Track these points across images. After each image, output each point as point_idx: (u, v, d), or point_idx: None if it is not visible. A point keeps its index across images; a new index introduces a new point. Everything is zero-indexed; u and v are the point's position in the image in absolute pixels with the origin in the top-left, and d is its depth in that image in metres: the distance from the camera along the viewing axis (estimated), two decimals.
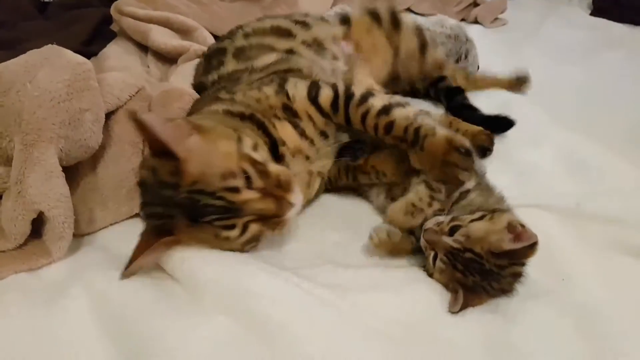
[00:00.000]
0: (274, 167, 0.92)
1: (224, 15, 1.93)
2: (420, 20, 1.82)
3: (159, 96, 1.17)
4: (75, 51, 1.08)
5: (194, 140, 0.86)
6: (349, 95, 1.06)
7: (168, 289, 0.90)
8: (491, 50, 2.11)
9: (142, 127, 0.83)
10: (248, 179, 0.87)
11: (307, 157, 1.07)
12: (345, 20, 1.56)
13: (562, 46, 2.37)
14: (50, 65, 1.00)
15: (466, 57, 1.75)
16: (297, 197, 0.92)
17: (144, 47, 1.72)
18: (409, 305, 0.89)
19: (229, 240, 0.88)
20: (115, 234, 1.05)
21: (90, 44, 1.71)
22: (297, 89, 1.07)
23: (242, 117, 1.02)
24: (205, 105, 1.09)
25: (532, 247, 0.86)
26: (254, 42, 1.33)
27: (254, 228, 0.89)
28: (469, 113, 1.50)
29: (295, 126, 1.06)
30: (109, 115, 1.11)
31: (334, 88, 1.07)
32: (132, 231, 1.03)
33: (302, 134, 1.06)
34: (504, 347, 0.85)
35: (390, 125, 1.02)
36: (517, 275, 0.91)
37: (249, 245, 0.91)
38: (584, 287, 0.98)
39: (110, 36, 1.80)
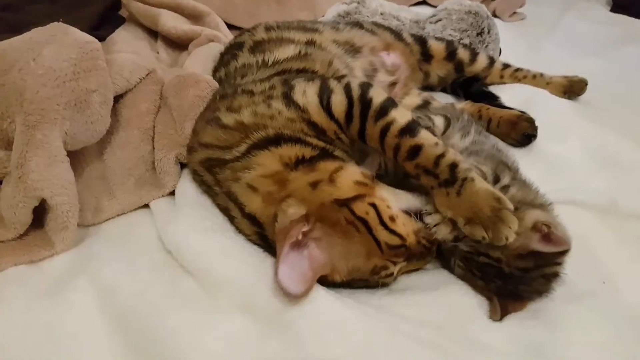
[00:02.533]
0: (411, 238, 0.83)
1: (237, 2, 1.86)
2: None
3: (173, 82, 1.10)
4: None
5: (326, 243, 0.79)
6: (365, 102, 0.90)
7: (181, 283, 0.83)
8: (510, 45, 2.03)
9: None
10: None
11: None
12: (393, 32, 1.52)
13: (583, 41, 2.29)
14: (57, 42, 0.94)
15: (489, 32, 1.67)
16: (437, 243, 0.85)
17: (153, 33, 1.66)
18: (440, 308, 0.82)
19: None
20: (122, 225, 0.99)
21: (98, 29, 1.64)
22: (307, 97, 0.93)
23: (265, 144, 0.88)
24: (206, 131, 0.96)
25: (562, 253, 0.79)
26: (274, 35, 1.25)
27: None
28: (488, 102, 1.43)
29: (331, 155, 0.89)
30: (117, 98, 1.04)
31: (347, 92, 0.92)
32: (140, 222, 0.99)
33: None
34: (545, 353, 0.78)
35: (415, 151, 0.85)
36: (552, 276, 0.83)
37: None
38: (627, 289, 0.91)
39: (119, 22, 1.74)
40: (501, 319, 0.81)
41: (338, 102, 0.91)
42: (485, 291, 0.85)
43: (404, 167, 0.88)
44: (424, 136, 0.87)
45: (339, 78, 1.04)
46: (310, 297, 0.75)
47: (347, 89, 0.93)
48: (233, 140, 0.91)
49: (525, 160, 1.23)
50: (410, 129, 0.87)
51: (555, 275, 0.84)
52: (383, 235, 0.81)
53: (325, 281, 0.80)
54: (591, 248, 0.98)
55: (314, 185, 0.82)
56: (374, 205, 0.82)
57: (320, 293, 0.77)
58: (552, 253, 0.80)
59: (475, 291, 0.86)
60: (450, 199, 0.82)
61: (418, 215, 0.86)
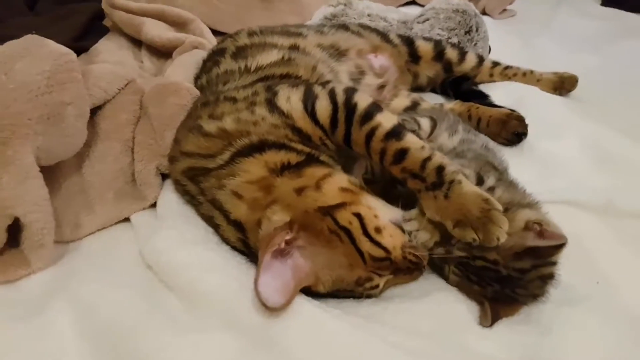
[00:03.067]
0: (397, 252, 0.80)
1: (223, 8, 1.84)
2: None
3: (152, 90, 1.07)
4: (67, 47, 0.99)
5: (310, 252, 0.76)
6: (350, 107, 0.88)
7: (162, 300, 0.80)
8: (502, 42, 2.01)
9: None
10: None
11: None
12: (380, 34, 1.50)
13: (576, 36, 2.28)
14: (30, 55, 0.91)
15: (477, 30, 1.65)
16: (427, 258, 0.82)
17: (137, 42, 1.63)
18: (431, 316, 0.79)
19: None
20: (103, 240, 0.96)
21: (82, 39, 1.62)
22: (291, 103, 0.91)
23: (249, 151, 0.85)
24: (187, 140, 0.93)
25: (559, 247, 0.77)
26: (257, 40, 1.23)
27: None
28: (478, 101, 1.40)
29: (318, 160, 0.87)
30: (95, 110, 1.02)
31: (332, 97, 0.90)
32: (121, 237, 0.96)
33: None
34: (541, 359, 0.75)
35: (401, 154, 0.83)
36: (548, 277, 0.80)
37: None
38: (626, 289, 0.88)
39: (103, 32, 1.71)
40: (492, 324, 0.78)
41: (323, 107, 0.89)
42: (477, 296, 0.82)
43: (391, 172, 0.86)
44: (409, 140, 0.85)
45: (324, 84, 1.02)
46: (294, 310, 0.72)
47: (332, 94, 0.91)
48: (216, 149, 0.88)
49: (517, 160, 1.21)
50: (395, 132, 0.85)
51: (551, 276, 0.81)
52: (367, 246, 0.78)
53: (310, 291, 0.78)
54: (587, 248, 0.95)
55: (300, 191, 0.79)
56: (358, 215, 0.79)
57: (305, 305, 0.74)
58: (549, 249, 0.77)
59: (467, 297, 0.84)
60: (438, 202, 0.80)
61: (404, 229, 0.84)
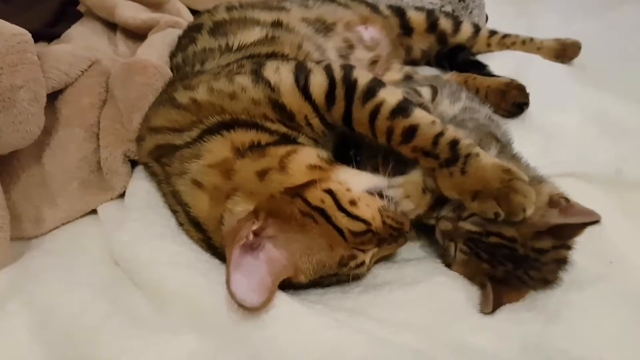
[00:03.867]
0: (377, 222, 0.73)
1: None
2: None
3: (118, 70, 0.99)
4: (37, 33, 0.92)
5: (284, 241, 0.68)
6: (350, 83, 0.80)
7: (127, 299, 0.73)
8: (496, 12, 1.91)
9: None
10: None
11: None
12: (368, 5, 1.40)
13: (573, 3, 2.18)
14: None
15: None
16: (408, 222, 0.76)
17: (113, 27, 1.54)
18: (424, 305, 0.71)
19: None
20: (68, 235, 0.88)
21: (54, 25, 1.54)
22: (281, 75, 0.82)
23: (218, 128, 0.78)
24: (157, 113, 0.87)
25: (588, 225, 0.69)
26: (236, 15, 1.14)
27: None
28: (476, 72, 1.32)
29: (293, 142, 0.80)
30: (55, 94, 0.94)
31: (329, 72, 0.82)
32: (88, 231, 0.89)
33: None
34: (546, 351, 0.67)
35: (411, 132, 0.76)
36: (562, 262, 0.73)
37: None
38: (636, 270, 0.80)
39: (77, 17, 1.62)
40: (493, 310, 0.70)
41: (317, 82, 0.81)
42: (481, 277, 0.74)
43: (400, 152, 0.78)
44: (418, 115, 0.77)
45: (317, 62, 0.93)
46: (270, 306, 0.65)
47: (328, 70, 0.83)
48: (184, 122, 0.81)
49: (520, 132, 1.15)
50: (402, 108, 0.77)
51: (565, 261, 0.74)
52: (344, 222, 0.70)
53: (291, 283, 0.70)
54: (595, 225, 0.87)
55: (262, 174, 0.72)
56: (330, 192, 0.71)
57: (282, 299, 0.66)
58: (574, 228, 0.71)
59: (469, 279, 0.76)
60: (454, 179, 0.73)
61: (384, 195, 0.76)
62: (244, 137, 0.76)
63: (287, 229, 0.68)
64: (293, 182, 0.71)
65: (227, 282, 0.62)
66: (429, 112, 0.82)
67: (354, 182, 0.75)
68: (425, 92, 1.01)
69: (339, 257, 0.70)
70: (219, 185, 0.72)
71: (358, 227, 0.71)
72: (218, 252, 0.74)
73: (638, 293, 0.76)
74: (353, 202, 0.72)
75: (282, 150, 0.75)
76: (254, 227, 0.65)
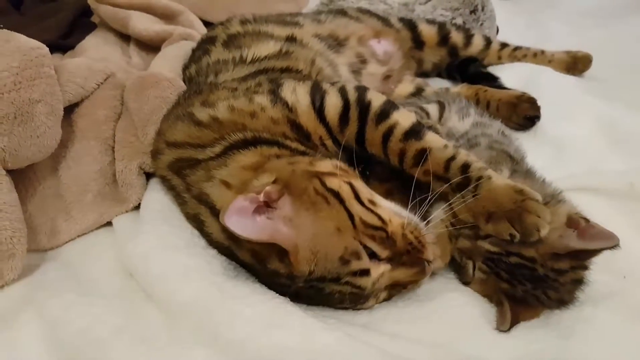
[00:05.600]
0: (394, 226, 0.70)
1: None
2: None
3: (132, 83, 1.00)
4: (52, 44, 0.93)
5: (292, 215, 0.67)
6: (364, 105, 0.82)
7: (140, 312, 0.73)
8: (508, 23, 1.92)
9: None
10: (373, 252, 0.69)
11: None
12: (380, 18, 1.41)
13: (585, 13, 2.19)
14: None
15: (483, 9, 1.56)
16: (432, 251, 0.72)
17: (126, 38, 1.56)
18: (438, 321, 0.71)
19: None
20: (83, 247, 0.89)
21: (69, 37, 1.56)
22: (298, 96, 0.84)
23: (242, 145, 0.78)
24: (176, 128, 0.86)
25: (609, 249, 0.69)
26: (250, 29, 1.15)
27: (384, 295, 0.73)
28: (487, 84, 1.32)
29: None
30: (72, 107, 0.95)
31: (343, 94, 0.84)
32: (103, 243, 0.90)
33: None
34: None
35: (422, 155, 0.77)
36: (579, 282, 0.73)
37: None
38: None
39: (91, 28, 1.65)
40: (510, 328, 0.70)
41: (332, 103, 0.83)
42: (499, 295, 0.74)
43: (409, 172, 0.79)
44: (430, 139, 0.79)
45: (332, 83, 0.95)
46: (281, 320, 0.65)
47: (343, 91, 0.85)
48: (207, 139, 0.81)
49: (531, 145, 1.14)
50: (415, 131, 0.80)
51: (582, 281, 0.74)
52: (358, 209, 0.69)
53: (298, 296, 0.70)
54: None
55: (292, 163, 0.73)
56: (351, 185, 0.72)
57: (294, 312, 0.66)
58: (592, 252, 0.70)
59: (486, 297, 0.76)
60: (467, 202, 0.74)
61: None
62: (270, 151, 0.78)
63: (299, 205, 0.68)
64: (317, 169, 0.72)
65: (223, 214, 0.62)
66: (438, 133, 0.83)
67: (381, 198, 0.75)
68: (433, 109, 1.02)
69: (342, 247, 0.67)
70: (247, 180, 0.72)
71: (371, 219, 0.69)
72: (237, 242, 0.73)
73: None
74: (373, 203, 0.71)
75: (309, 158, 0.77)
76: (268, 190, 0.66)
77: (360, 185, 0.74)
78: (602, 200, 0.96)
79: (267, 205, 0.67)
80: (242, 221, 0.63)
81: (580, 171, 1.07)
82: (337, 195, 0.69)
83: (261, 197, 0.65)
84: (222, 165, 0.76)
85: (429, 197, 0.75)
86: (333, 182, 0.71)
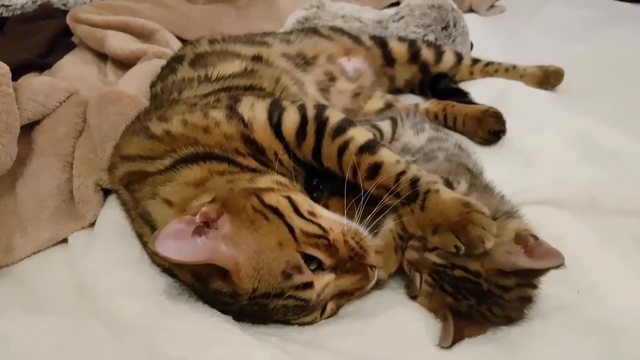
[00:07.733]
0: (335, 233, 0.71)
1: (193, 16, 1.79)
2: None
3: (94, 100, 1.01)
4: (30, 63, 0.94)
5: (232, 234, 0.67)
6: (321, 121, 0.84)
7: (87, 328, 0.73)
8: (488, 36, 1.94)
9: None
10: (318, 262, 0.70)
11: None
12: (351, 36, 1.43)
13: (565, 26, 2.18)
14: None
15: (455, 25, 1.57)
16: (374, 257, 0.74)
17: (104, 56, 1.58)
18: (383, 337, 0.70)
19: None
20: (38, 263, 0.89)
21: (48, 56, 1.58)
22: (255, 112, 0.85)
23: (192, 159, 0.78)
24: (130, 142, 0.87)
25: (554, 269, 0.68)
26: (218, 48, 1.17)
27: (331, 306, 0.74)
28: (457, 99, 1.32)
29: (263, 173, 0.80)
30: (32, 125, 0.96)
31: (302, 111, 0.86)
32: (57, 260, 0.90)
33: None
34: None
35: (375, 169, 0.79)
36: (526, 300, 0.72)
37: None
38: (605, 299, 0.78)
39: (71, 47, 1.67)
40: (452, 345, 0.69)
41: (290, 120, 0.85)
42: (444, 310, 0.73)
43: (365, 189, 0.80)
44: (384, 154, 0.81)
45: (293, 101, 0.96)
46: (220, 338, 0.65)
47: (302, 109, 0.87)
48: (158, 152, 0.82)
49: (499, 157, 1.15)
50: (369, 146, 0.81)
51: (529, 299, 0.73)
52: (297, 222, 0.70)
53: (242, 314, 0.70)
54: (569, 252, 0.84)
55: (231, 181, 0.73)
56: (289, 198, 0.72)
57: (234, 331, 0.66)
58: (538, 271, 0.70)
59: (432, 313, 0.75)
60: (416, 215, 0.75)
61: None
62: (219, 167, 0.78)
63: (238, 223, 0.68)
64: (255, 185, 0.73)
65: (153, 239, 0.61)
66: (392, 151, 0.84)
67: (320, 207, 0.75)
68: (385, 126, 1.03)
69: (284, 261, 0.67)
70: (188, 197, 0.72)
71: (312, 229, 0.70)
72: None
73: (604, 323, 0.73)
74: (313, 214, 0.72)
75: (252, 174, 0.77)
76: (205, 211, 0.65)
77: (299, 198, 0.74)
78: (564, 213, 0.95)
79: (206, 226, 0.67)
80: (178, 245, 0.63)
81: (545, 184, 1.06)
82: (275, 210, 0.70)
83: (197, 219, 0.65)
84: (167, 181, 0.76)
85: (375, 209, 0.76)
86: (271, 198, 0.71)
